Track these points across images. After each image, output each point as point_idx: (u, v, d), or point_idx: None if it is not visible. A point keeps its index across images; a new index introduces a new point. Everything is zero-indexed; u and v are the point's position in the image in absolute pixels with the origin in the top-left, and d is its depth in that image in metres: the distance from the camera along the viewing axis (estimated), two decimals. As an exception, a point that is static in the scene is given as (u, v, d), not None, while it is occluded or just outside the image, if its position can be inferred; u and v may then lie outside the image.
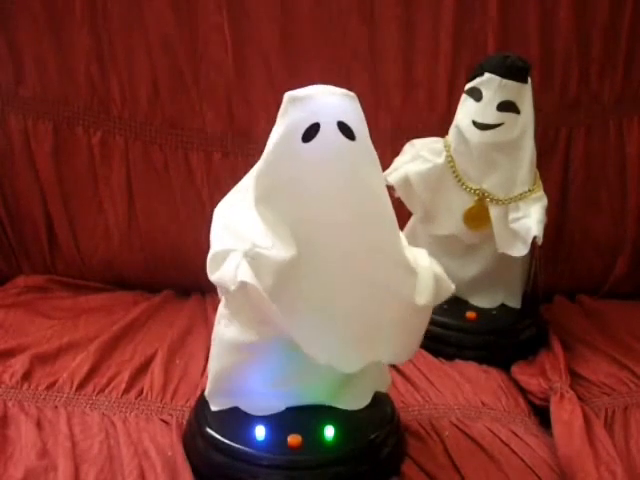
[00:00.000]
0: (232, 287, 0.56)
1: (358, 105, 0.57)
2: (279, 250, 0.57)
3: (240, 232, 0.58)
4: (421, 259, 0.62)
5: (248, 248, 0.57)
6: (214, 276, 0.58)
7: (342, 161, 0.56)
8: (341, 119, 0.55)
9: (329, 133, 0.55)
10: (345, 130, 0.55)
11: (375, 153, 0.58)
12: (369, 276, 0.60)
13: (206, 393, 0.67)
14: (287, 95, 0.56)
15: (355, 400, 0.68)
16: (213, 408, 0.67)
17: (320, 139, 0.55)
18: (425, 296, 0.60)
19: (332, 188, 0.56)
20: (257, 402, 0.66)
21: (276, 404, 0.66)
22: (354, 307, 0.60)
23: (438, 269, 0.63)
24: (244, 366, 0.64)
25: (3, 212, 0.99)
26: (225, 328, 0.63)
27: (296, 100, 0.55)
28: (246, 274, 0.55)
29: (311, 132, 0.55)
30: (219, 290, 0.64)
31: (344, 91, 0.56)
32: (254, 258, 0.56)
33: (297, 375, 0.64)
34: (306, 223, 0.57)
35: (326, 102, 0.55)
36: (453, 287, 0.63)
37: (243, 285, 0.55)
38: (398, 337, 0.63)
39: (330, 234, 0.58)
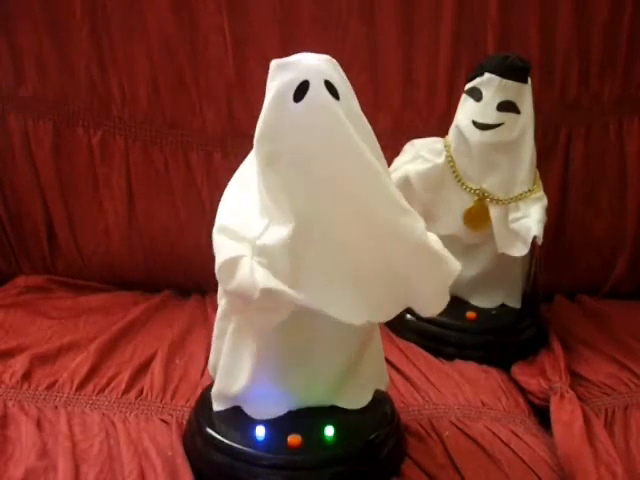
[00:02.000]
0: (255, 294, 0.56)
1: (340, 69, 0.58)
2: (277, 229, 0.57)
3: (236, 228, 0.59)
4: None
5: (252, 247, 0.57)
6: (230, 286, 0.58)
7: (332, 118, 0.56)
8: (327, 78, 0.56)
9: (318, 90, 0.56)
10: (331, 89, 0.56)
11: (361, 114, 0.59)
12: (372, 226, 0.59)
13: (212, 392, 0.67)
14: (274, 62, 0.57)
15: (356, 398, 0.68)
16: (215, 408, 0.66)
17: (310, 96, 0.56)
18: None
19: (325, 145, 0.57)
20: (258, 406, 0.65)
21: (277, 408, 0.65)
22: (363, 259, 0.59)
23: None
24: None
25: (3, 212, 0.99)
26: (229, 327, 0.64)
27: (284, 64, 0.57)
28: (265, 278, 0.56)
29: (301, 90, 0.56)
30: (219, 291, 0.64)
31: (326, 56, 0.58)
32: (260, 254, 0.57)
33: (298, 374, 0.64)
34: (307, 183, 0.57)
35: (312, 63, 0.57)
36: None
37: (266, 291, 0.56)
38: (419, 283, 0.61)
39: (329, 191, 0.58)
